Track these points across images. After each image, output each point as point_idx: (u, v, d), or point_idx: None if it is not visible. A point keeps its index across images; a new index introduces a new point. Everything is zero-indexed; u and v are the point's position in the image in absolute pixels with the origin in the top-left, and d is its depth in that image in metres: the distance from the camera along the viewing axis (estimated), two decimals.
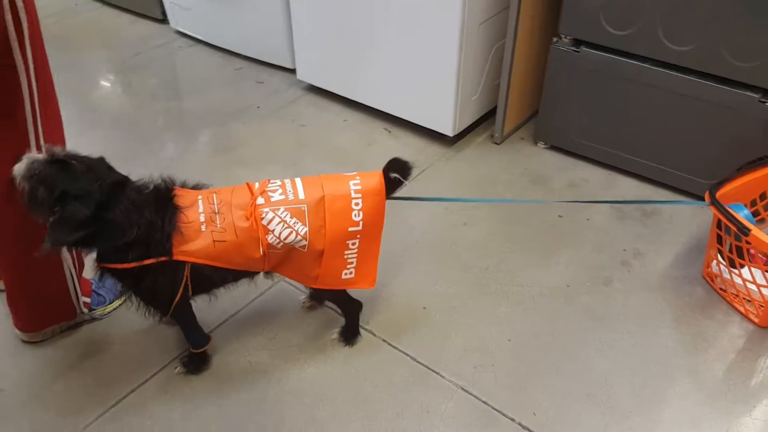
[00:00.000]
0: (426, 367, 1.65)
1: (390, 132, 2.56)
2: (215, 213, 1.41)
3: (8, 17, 1.28)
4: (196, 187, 1.49)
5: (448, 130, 2.41)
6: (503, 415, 1.55)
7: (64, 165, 1.28)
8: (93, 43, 3.25)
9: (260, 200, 1.43)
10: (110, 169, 1.39)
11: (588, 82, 2.18)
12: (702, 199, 1.76)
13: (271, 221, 1.41)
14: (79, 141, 2.44)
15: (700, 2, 1.86)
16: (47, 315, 1.67)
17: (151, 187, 1.40)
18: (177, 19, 3.20)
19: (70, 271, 1.61)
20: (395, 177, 1.49)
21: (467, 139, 2.52)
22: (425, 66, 2.31)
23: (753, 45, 1.83)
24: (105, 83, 2.97)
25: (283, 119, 2.64)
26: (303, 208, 1.43)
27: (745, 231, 1.62)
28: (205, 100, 2.78)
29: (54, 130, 1.49)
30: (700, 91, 1.98)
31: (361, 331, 1.74)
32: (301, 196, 1.44)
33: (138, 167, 1.99)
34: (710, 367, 1.66)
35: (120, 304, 1.79)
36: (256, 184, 1.47)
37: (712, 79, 1.95)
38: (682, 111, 2.04)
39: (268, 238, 1.41)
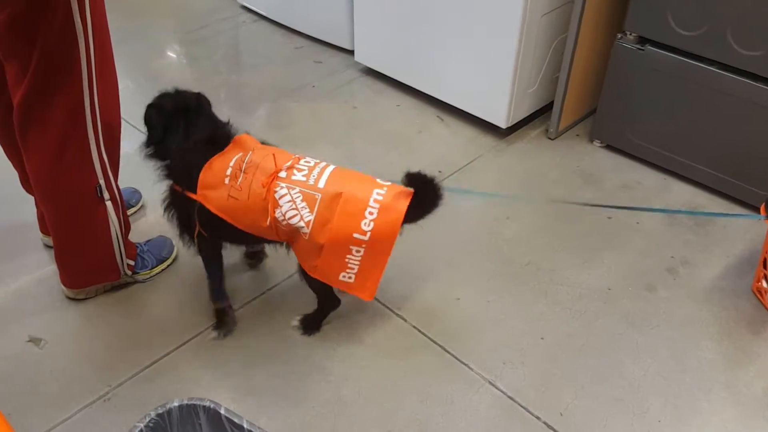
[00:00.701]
0: (455, 357, 1.66)
1: (442, 120, 2.54)
2: (241, 171, 1.46)
3: None
4: (265, 143, 1.58)
5: (502, 122, 2.38)
6: (529, 412, 1.54)
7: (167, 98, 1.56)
8: (161, 13, 3.33)
9: (282, 174, 1.45)
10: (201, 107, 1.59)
11: (650, 82, 2.11)
12: (758, 211, 1.69)
13: (282, 197, 1.42)
14: (139, 110, 2.53)
15: None
16: (92, 274, 1.73)
17: (219, 131, 1.55)
18: None
19: (116, 233, 1.67)
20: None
21: (520, 132, 2.49)
22: (484, 55, 2.28)
23: None
24: (169, 53, 3.05)
25: (337, 100, 2.66)
26: (317, 197, 1.42)
27: None
28: (263, 76, 2.83)
29: (109, 93, 1.54)
30: (767, 99, 1.89)
31: (393, 316, 1.76)
32: (321, 184, 1.43)
33: None
34: (749, 384, 1.61)
35: (162, 269, 1.85)
36: (293, 157, 1.50)
37: None
38: (747, 118, 1.96)
39: (276, 212, 1.43)
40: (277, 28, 3.15)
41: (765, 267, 1.76)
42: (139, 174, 2.18)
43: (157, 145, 1.56)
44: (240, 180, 1.45)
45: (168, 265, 1.86)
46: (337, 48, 2.97)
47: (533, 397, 1.57)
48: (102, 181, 1.59)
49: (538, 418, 1.53)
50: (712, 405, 1.56)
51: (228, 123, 1.61)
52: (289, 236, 1.50)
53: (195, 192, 1.48)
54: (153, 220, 2.05)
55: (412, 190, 1.44)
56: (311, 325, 1.70)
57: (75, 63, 1.42)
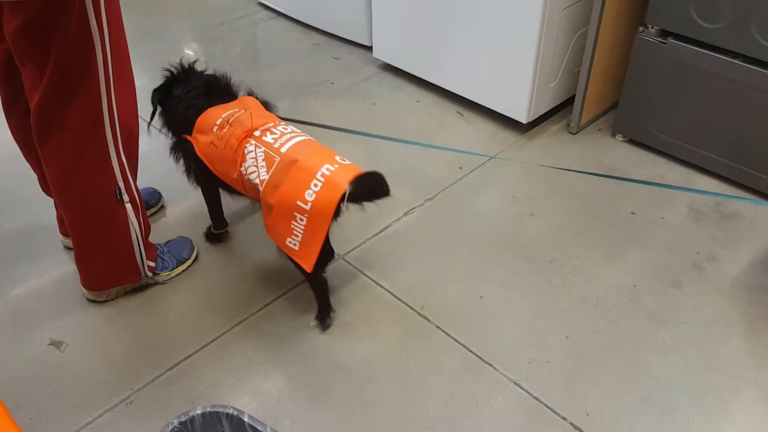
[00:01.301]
0: (479, 357, 1.65)
1: (462, 115, 2.52)
2: (228, 123, 1.59)
3: None
4: (268, 105, 1.74)
5: (522, 117, 2.36)
6: (555, 413, 1.52)
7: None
8: (179, 11, 3.34)
9: (256, 133, 1.56)
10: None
11: (673, 75, 2.08)
12: None
13: (248, 153, 1.54)
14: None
15: None
16: (113, 276, 1.74)
17: (219, 83, 1.73)
18: None
19: (136, 234, 1.68)
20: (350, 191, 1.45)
21: (542, 127, 2.46)
22: (504, 49, 2.26)
23: None
24: (187, 51, 3.05)
25: (356, 96, 2.65)
26: (276, 159, 1.50)
27: None
28: (281, 72, 2.82)
29: (126, 95, 1.55)
30: None
31: (416, 315, 1.75)
32: (284, 149, 1.51)
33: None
34: None
35: (183, 270, 1.85)
36: (274, 121, 1.61)
37: None
38: None
39: (241, 166, 1.54)
40: (295, 24, 3.14)
41: None
42: (159, 173, 2.21)
43: (167, 96, 1.74)
44: (224, 131, 1.58)
45: (188, 266, 1.86)
46: (355, 44, 2.96)
47: (559, 398, 1.55)
48: (121, 184, 1.59)
49: (564, 419, 1.51)
50: (740, 404, 1.54)
51: (230, 80, 1.76)
52: (255, 193, 1.58)
53: (190, 135, 1.66)
54: (173, 221, 2.06)
55: (361, 171, 1.49)
56: (322, 316, 1.71)
57: (91, 66, 1.42)
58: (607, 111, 2.51)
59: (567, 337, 1.70)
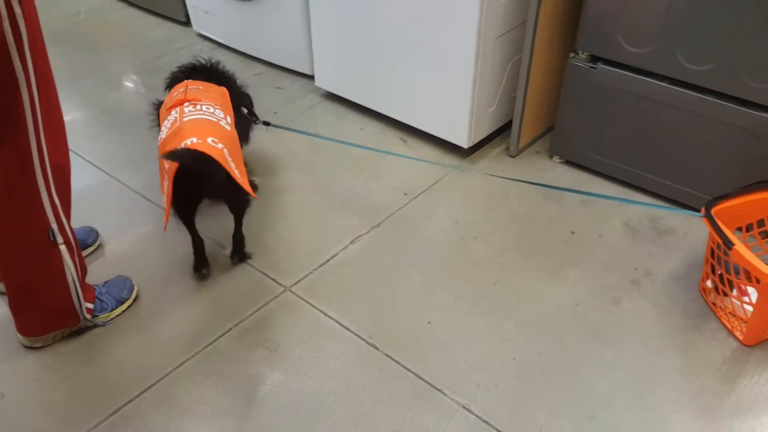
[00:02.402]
0: (428, 383, 1.65)
1: (406, 142, 2.56)
2: (179, 91, 1.92)
3: (6, 25, 1.29)
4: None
5: (463, 142, 2.40)
6: None
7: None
8: (117, 44, 3.30)
9: (186, 104, 1.82)
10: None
11: (604, 98, 2.16)
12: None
13: (169, 117, 1.82)
14: (93, 145, 2.50)
15: (718, 23, 1.83)
16: (49, 320, 1.69)
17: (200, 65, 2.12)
18: (200, 23, 3.24)
19: (72, 276, 1.63)
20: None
21: (483, 151, 2.51)
22: (442, 77, 2.31)
23: None
24: (126, 84, 3.01)
25: (300, 125, 2.65)
26: (176, 125, 1.74)
27: (729, 244, 1.62)
28: None
29: (56, 135, 1.51)
30: (716, 112, 1.95)
31: (365, 345, 1.74)
32: (186, 119, 1.75)
33: (151, 169, 2.01)
34: (717, 392, 1.64)
35: (123, 311, 1.81)
36: (205, 102, 1.86)
37: (730, 99, 1.92)
38: (699, 131, 2.01)
39: (162, 124, 1.84)
40: (236, 55, 3.14)
41: (712, 271, 1.80)
42: (96, 211, 2.17)
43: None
44: (173, 99, 1.87)
45: (128, 306, 1.82)
46: (297, 73, 2.97)
47: (508, 420, 1.57)
48: (54, 225, 1.55)
49: None
50: (681, 416, 1.58)
51: (213, 64, 2.15)
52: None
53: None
54: (112, 260, 2.01)
55: (209, 153, 1.62)
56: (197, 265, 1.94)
57: (19, 110, 1.39)
58: (544, 134, 2.59)
59: (514, 359, 1.72)
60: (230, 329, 1.79)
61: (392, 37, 2.36)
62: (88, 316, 1.72)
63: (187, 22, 3.36)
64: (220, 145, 1.67)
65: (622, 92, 2.11)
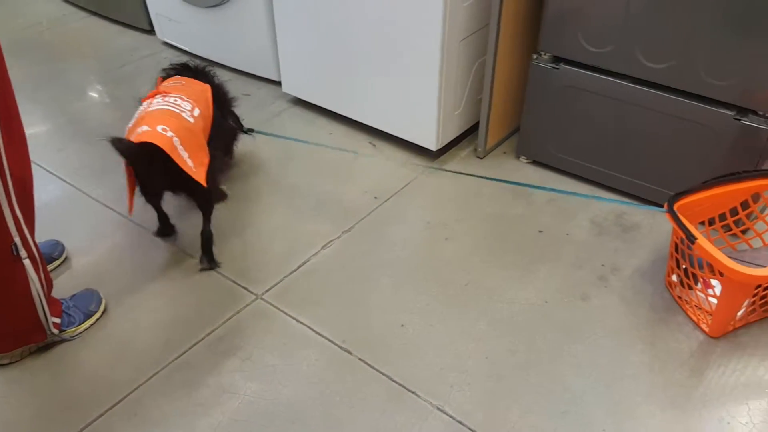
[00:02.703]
0: (402, 386, 1.66)
1: (375, 146, 2.56)
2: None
3: None
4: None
5: (432, 145, 2.42)
6: None
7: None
8: (80, 54, 3.25)
9: (158, 96, 1.93)
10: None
11: (567, 98, 2.19)
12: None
13: (141, 106, 1.93)
14: (57, 156, 2.46)
15: (676, 21, 1.87)
16: (15, 337, 1.65)
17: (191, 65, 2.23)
18: (164, 31, 3.21)
19: (37, 291, 1.60)
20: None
21: (451, 153, 2.53)
22: (408, 81, 2.32)
23: (727, 64, 1.85)
24: (90, 94, 2.97)
25: (269, 132, 2.64)
26: (142, 114, 1.85)
27: (691, 239, 1.66)
28: None
29: (17, 148, 1.49)
30: (676, 108, 1.99)
31: (338, 350, 1.74)
32: (151, 108, 1.86)
33: (116, 179, 1.99)
34: (683, 383, 1.67)
35: (91, 324, 1.78)
36: (178, 95, 1.94)
37: (689, 96, 1.96)
38: (660, 127, 2.06)
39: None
40: (202, 62, 3.11)
41: (677, 265, 1.84)
42: (61, 224, 2.14)
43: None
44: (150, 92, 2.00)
45: (97, 319, 1.79)
46: (264, 80, 2.96)
47: (481, 419, 1.58)
48: (17, 239, 1.52)
49: None
50: (651, 408, 1.61)
51: (204, 67, 2.24)
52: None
53: None
54: (79, 273, 1.98)
55: (151, 140, 1.71)
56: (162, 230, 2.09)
57: None
58: (511, 135, 2.62)
59: (486, 358, 1.74)
60: (201, 339, 1.77)
61: (358, 41, 2.37)
62: (56, 331, 1.69)
63: (151, 30, 3.32)
64: (170, 134, 1.74)
65: (584, 92, 2.15)
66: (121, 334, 1.78)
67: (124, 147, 1.72)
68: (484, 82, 2.31)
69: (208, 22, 2.92)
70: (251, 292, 1.91)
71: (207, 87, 2.08)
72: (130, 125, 1.85)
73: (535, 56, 2.20)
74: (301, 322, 1.82)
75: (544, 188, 2.32)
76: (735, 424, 1.58)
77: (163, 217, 2.08)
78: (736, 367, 1.71)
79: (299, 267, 2.01)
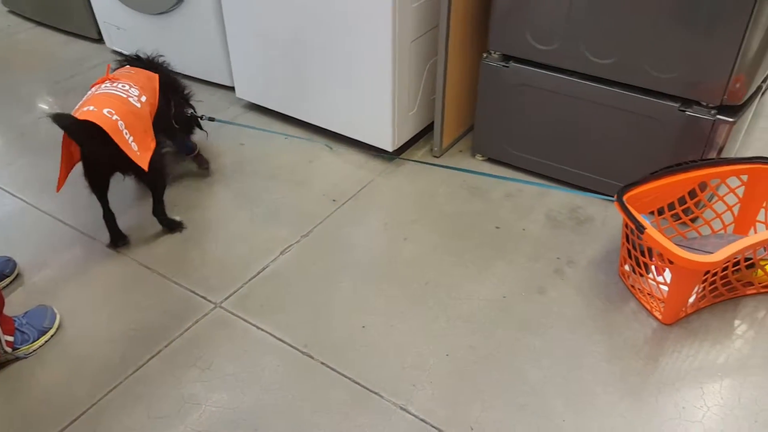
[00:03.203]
0: (365, 388, 1.66)
1: (331, 149, 2.56)
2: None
3: None
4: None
5: (388, 146, 2.43)
6: None
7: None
8: (27, 65, 3.18)
9: (106, 81, 1.99)
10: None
11: (518, 95, 2.23)
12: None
13: (89, 92, 1.99)
14: (6, 171, 2.40)
15: (619, 17, 1.92)
16: None
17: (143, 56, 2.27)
18: (113, 39, 3.16)
19: None
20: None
21: (408, 154, 2.55)
22: (361, 83, 2.33)
23: (670, 57, 1.90)
24: (39, 106, 2.91)
25: (224, 138, 2.62)
26: (89, 98, 1.91)
27: (641, 229, 1.71)
28: None
29: None
30: (623, 102, 2.04)
31: (300, 355, 1.74)
32: (97, 92, 1.93)
33: (68, 192, 1.96)
34: (640, 372, 1.71)
35: (46, 341, 1.75)
36: (123, 81, 2.01)
37: (635, 90, 2.01)
38: (608, 121, 2.10)
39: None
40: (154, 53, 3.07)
41: (628, 255, 1.89)
42: (12, 240, 2.09)
43: None
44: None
45: (52, 336, 1.76)
46: (217, 85, 2.94)
47: (444, 416, 1.60)
48: None
49: None
50: (609, 398, 1.65)
51: (153, 57, 2.27)
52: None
53: None
54: (31, 289, 1.94)
55: (87, 119, 1.77)
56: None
57: None
58: (466, 133, 2.64)
59: (447, 355, 1.75)
60: (159, 351, 1.75)
61: (309, 45, 2.37)
62: (9, 350, 1.66)
63: (99, 39, 3.27)
64: (115, 117, 1.81)
65: (534, 89, 2.18)
66: (77, 350, 1.75)
67: (67, 123, 1.76)
68: (437, 82, 2.33)
69: (157, 29, 2.89)
70: (210, 301, 1.90)
71: (155, 76, 2.14)
72: (77, 107, 1.89)
73: (485, 55, 2.23)
74: (262, 329, 1.81)
75: (498, 177, 2.35)
76: (690, 408, 1.62)
77: (110, 218, 2.06)
78: (689, 353, 1.76)
79: (258, 273, 2.00)
